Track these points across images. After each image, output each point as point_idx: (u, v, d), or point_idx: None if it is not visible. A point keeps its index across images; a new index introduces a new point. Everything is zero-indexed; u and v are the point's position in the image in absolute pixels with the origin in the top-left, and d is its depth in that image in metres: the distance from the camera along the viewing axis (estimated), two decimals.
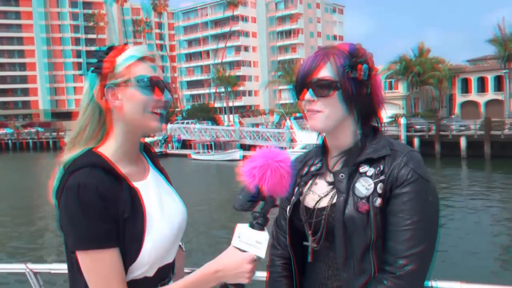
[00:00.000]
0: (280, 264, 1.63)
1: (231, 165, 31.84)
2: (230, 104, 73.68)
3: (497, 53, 48.03)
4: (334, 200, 1.44)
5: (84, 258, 1.29)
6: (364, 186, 1.40)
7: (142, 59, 1.43)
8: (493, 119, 35.16)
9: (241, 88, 78.92)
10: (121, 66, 1.41)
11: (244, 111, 76.99)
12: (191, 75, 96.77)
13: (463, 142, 33.46)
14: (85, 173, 1.31)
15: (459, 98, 54.92)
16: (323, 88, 1.42)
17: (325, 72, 1.42)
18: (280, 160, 1.32)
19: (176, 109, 73.75)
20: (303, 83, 1.45)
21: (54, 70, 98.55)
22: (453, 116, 49.85)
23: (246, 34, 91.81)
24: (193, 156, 40.62)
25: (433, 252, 1.38)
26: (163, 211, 1.44)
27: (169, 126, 47.67)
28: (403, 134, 35.83)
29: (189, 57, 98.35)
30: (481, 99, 53.40)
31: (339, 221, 1.40)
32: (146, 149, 1.60)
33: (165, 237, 1.40)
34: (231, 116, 69.49)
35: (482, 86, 53.42)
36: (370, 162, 1.43)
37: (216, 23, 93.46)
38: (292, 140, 36.09)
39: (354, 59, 1.41)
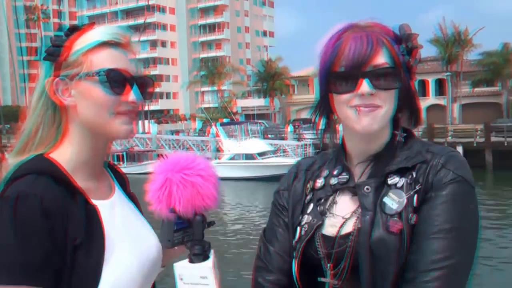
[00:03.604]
0: None
1: (148, 179, 31.21)
2: (145, 108, 72.49)
3: (438, 54, 51.00)
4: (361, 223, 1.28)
5: None
6: (394, 201, 1.27)
7: (107, 44, 1.27)
8: (436, 126, 37.31)
9: (157, 90, 77.90)
10: (77, 53, 1.26)
11: (162, 116, 75.98)
12: None
13: None
14: (28, 181, 1.15)
15: None
16: (386, 78, 1.28)
17: (383, 59, 1.28)
18: (183, 167, 1.21)
19: None
20: (356, 70, 1.27)
21: None
22: None
23: (163, 27, 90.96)
24: None
25: (468, 271, 1.23)
26: (130, 242, 1.29)
27: None
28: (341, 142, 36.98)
29: None
30: (422, 104, 56.43)
31: (364, 247, 1.25)
32: (112, 168, 1.49)
33: (132, 274, 1.25)
34: (146, 121, 68.36)
35: (423, 90, 56.50)
36: (402, 171, 1.30)
37: (128, 13, 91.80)
38: (218, 150, 36.17)
39: (410, 44, 1.30)
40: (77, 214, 1.18)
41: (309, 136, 40.75)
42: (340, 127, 1.44)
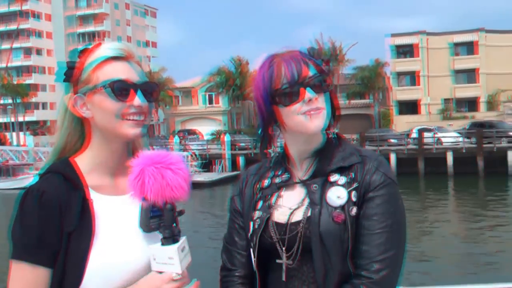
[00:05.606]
0: (240, 283, 1.67)
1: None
2: (20, 118, 68.13)
3: None
4: (310, 213, 1.53)
5: (12, 268, 1.37)
6: (336, 195, 1.53)
7: (112, 58, 1.46)
8: None
9: (33, 100, 73.68)
10: (87, 70, 1.45)
11: (38, 128, 71.79)
12: None
13: None
14: (42, 178, 1.42)
15: None
16: (320, 84, 1.54)
17: (312, 71, 1.55)
18: (157, 162, 1.37)
19: None
20: (297, 83, 1.52)
21: None
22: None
23: (39, 35, 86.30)
24: None
25: (403, 256, 1.54)
26: (130, 239, 1.44)
27: None
28: (227, 153, 37.50)
29: None
30: None
31: (315, 234, 1.50)
32: None
33: (117, 266, 1.40)
34: (21, 133, 64.24)
35: None
36: (340, 170, 1.57)
37: None
38: None
39: (323, 60, 1.59)
40: (74, 207, 1.38)
41: (194, 147, 40.77)
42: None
